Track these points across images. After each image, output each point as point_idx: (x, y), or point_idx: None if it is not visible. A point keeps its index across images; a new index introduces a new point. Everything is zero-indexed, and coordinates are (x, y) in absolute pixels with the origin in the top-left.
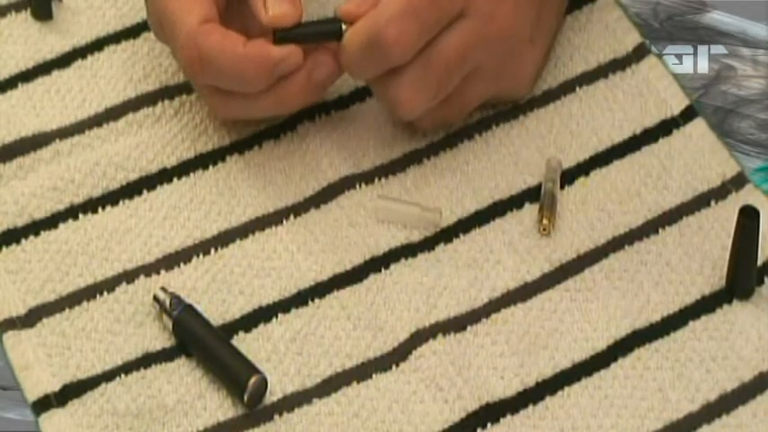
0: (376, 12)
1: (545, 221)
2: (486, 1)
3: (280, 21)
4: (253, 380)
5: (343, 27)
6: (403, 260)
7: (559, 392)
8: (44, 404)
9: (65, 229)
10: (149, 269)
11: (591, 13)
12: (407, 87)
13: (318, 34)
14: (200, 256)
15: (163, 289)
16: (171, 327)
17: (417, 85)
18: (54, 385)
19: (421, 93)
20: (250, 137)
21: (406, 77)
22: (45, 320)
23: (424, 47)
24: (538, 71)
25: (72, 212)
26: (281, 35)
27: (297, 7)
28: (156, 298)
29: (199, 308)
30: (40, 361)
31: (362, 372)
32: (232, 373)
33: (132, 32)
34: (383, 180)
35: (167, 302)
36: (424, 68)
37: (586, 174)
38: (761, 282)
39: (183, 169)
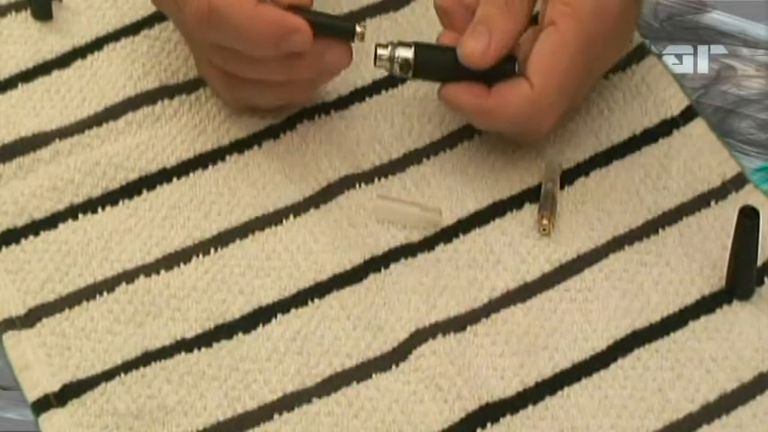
0: None
1: (545, 221)
2: None
3: None
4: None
5: (358, 29)
6: (403, 260)
7: (559, 392)
8: (44, 404)
9: (64, 229)
10: (149, 269)
11: None
12: None
13: (332, 27)
14: (200, 256)
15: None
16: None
17: None
18: (54, 385)
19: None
20: (249, 136)
21: None
22: (45, 320)
23: None
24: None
25: (72, 212)
26: (295, 14)
27: None
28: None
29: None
30: (40, 361)
31: (362, 372)
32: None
33: (132, 30)
34: (383, 180)
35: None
36: None
37: (586, 174)
38: (761, 282)
39: (183, 169)
